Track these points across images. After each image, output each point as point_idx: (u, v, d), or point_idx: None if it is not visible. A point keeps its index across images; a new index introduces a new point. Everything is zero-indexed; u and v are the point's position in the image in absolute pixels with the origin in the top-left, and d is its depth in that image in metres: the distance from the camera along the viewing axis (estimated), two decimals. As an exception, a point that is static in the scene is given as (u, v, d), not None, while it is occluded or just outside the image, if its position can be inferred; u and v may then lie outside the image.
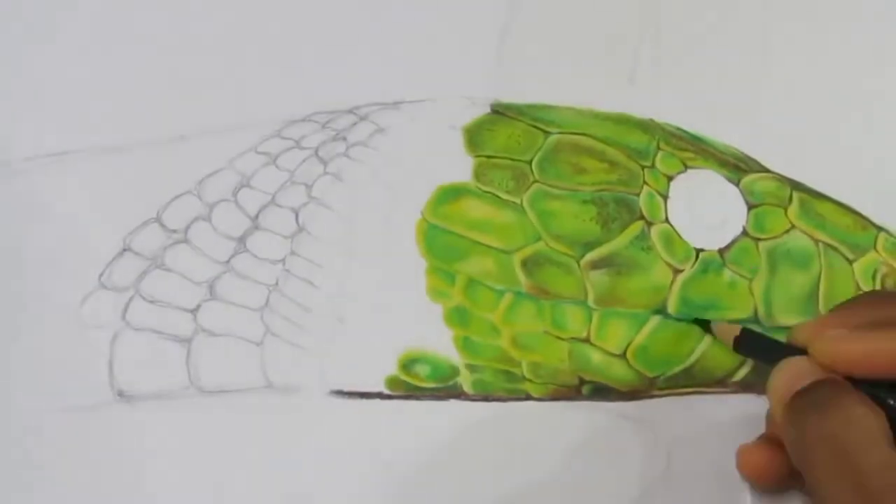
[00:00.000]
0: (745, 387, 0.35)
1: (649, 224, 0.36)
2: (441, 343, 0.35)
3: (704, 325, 0.35)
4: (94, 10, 0.40)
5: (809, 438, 0.29)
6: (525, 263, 0.35)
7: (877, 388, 0.29)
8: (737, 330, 0.34)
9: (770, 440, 0.33)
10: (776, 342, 0.33)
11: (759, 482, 0.34)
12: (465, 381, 0.35)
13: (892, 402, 0.29)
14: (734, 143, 0.38)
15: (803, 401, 0.30)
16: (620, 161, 0.37)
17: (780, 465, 0.32)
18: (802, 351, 0.31)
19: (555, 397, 0.35)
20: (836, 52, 0.40)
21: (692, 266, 0.35)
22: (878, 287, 0.36)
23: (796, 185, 0.37)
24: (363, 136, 0.37)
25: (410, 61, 0.39)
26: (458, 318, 0.35)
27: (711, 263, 0.35)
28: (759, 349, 0.34)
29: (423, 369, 0.35)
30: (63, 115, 0.38)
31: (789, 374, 0.31)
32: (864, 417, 0.28)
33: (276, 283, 0.35)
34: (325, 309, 0.35)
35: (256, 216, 0.36)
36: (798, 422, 0.29)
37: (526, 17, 0.40)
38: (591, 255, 0.35)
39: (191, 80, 0.39)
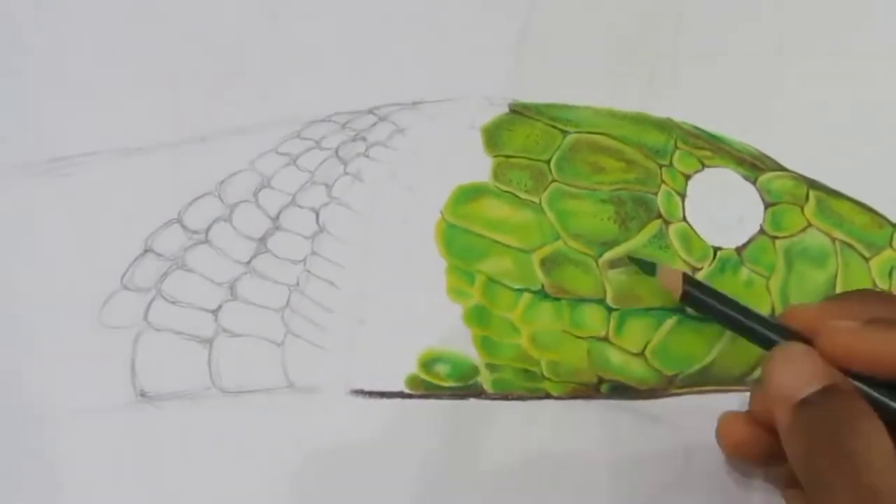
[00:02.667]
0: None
1: (667, 223, 0.36)
2: (461, 342, 0.35)
3: (648, 268, 0.34)
4: (114, 11, 0.40)
5: (821, 457, 0.28)
6: (544, 263, 0.35)
7: (876, 387, 0.29)
8: (679, 277, 0.33)
9: (754, 417, 0.32)
10: (726, 298, 0.33)
11: (737, 456, 0.33)
12: (485, 380, 0.35)
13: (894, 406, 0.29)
14: (751, 142, 0.38)
15: (814, 412, 0.29)
16: (638, 160, 0.37)
17: (762, 444, 0.32)
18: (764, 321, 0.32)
19: (574, 396, 0.35)
20: (853, 51, 0.40)
21: (710, 264, 0.35)
22: (894, 285, 0.36)
23: (813, 184, 0.37)
24: (383, 137, 0.37)
25: (429, 61, 0.39)
26: (477, 317, 0.35)
27: (729, 262, 0.36)
28: (707, 303, 0.33)
29: (443, 369, 0.35)
30: (85, 117, 0.38)
31: (794, 371, 0.29)
32: (878, 439, 0.27)
33: (297, 284, 0.35)
34: (345, 309, 0.35)
35: (277, 216, 0.36)
36: (807, 434, 0.28)
37: (545, 16, 0.40)
38: (610, 254, 0.35)
39: (211, 81, 0.39)
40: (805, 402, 0.29)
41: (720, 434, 0.33)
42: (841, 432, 0.28)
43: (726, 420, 0.33)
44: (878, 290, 0.36)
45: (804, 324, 0.31)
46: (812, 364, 0.30)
